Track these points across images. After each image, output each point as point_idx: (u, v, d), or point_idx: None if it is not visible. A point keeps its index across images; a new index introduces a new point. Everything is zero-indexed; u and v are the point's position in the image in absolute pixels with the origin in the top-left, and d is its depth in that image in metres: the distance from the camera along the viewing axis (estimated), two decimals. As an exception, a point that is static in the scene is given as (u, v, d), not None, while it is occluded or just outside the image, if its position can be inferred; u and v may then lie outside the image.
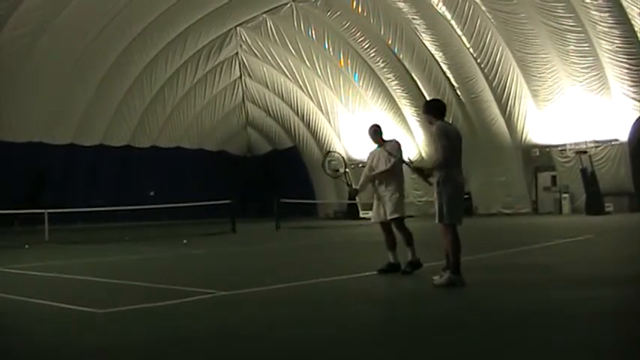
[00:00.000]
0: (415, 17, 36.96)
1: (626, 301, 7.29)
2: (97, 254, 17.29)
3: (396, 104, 41.09)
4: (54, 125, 39.84)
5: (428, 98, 38.22)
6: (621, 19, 29.83)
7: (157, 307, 7.85)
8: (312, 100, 47.08)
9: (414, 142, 39.82)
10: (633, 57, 30.83)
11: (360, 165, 42.46)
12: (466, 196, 34.34)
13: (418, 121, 35.39)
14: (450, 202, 8.61)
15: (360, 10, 38.66)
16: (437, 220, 8.66)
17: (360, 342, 5.76)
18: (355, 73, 42.90)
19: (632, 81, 31.69)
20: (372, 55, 40.94)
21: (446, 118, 9.20)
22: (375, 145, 10.56)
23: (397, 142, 10.38)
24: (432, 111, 9.11)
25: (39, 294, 9.22)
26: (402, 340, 5.78)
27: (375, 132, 10.51)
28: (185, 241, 21.19)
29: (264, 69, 47.07)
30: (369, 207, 10.70)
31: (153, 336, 6.24)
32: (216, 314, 7.39)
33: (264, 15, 42.01)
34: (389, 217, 10.06)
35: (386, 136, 10.60)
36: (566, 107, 34.66)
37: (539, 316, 6.54)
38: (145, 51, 40.73)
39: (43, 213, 24.07)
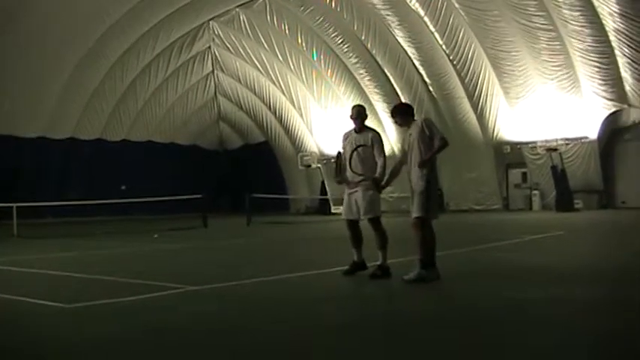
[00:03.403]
0: (388, 13, 37.00)
1: (597, 300, 7.33)
2: (66, 248, 17.13)
3: (369, 100, 41.05)
4: (24, 118, 39.39)
5: (400, 94, 38.57)
6: (592, 18, 30.10)
7: (126, 301, 7.78)
8: (284, 94, 47.00)
9: (386, 138, 39.79)
10: (604, 56, 31.15)
11: (332, 160, 42.53)
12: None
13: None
14: (434, 196, 8.78)
15: (333, 5, 38.62)
16: (420, 214, 8.65)
17: (338, 339, 5.72)
18: (328, 69, 42.89)
19: (602, 80, 32.04)
20: (345, 50, 40.92)
21: (418, 115, 9.40)
22: (352, 127, 9.69)
23: (379, 135, 9.68)
24: (409, 112, 9.29)
25: (4, 289, 9.09)
26: (380, 336, 5.77)
27: (360, 113, 9.63)
28: (156, 236, 21.13)
29: (237, 63, 46.91)
30: (340, 202, 10.02)
31: (121, 331, 6.16)
32: (186, 310, 7.30)
33: (237, 9, 41.86)
34: (363, 217, 9.45)
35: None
36: (537, 105, 34.95)
37: (513, 314, 6.59)
38: (116, 44, 40.38)
39: (12, 207, 23.79)
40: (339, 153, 9.67)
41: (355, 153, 9.43)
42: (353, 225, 9.59)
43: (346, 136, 9.75)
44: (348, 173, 9.52)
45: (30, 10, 33.79)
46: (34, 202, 27.92)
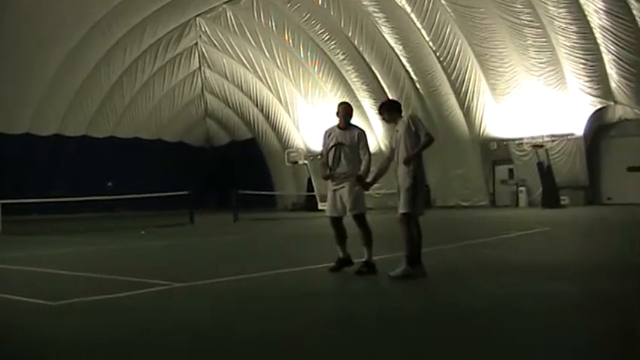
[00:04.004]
0: (375, 10, 36.98)
1: (585, 295, 7.36)
2: (53, 246, 17.08)
3: (356, 96, 41.06)
4: (8, 114, 39.12)
5: (387, 91, 38.59)
6: (578, 15, 30.20)
7: (112, 299, 7.74)
8: (271, 91, 46.98)
9: (373, 135, 39.87)
10: (589, 53, 31.26)
11: (319, 157, 42.50)
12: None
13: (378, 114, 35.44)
14: (421, 192, 8.83)
15: (320, 2, 38.57)
16: (406, 211, 8.67)
17: (326, 336, 5.71)
18: (315, 66, 42.88)
19: (588, 76, 32.17)
20: (332, 47, 40.89)
21: (404, 111, 9.45)
22: (335, 124, 9.69)
23: (364, 132, 9.65)
24: (396, 109, 9.33)
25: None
26: (368, 333, 5.77)
27: (347, 111, 9.62)
28: (143, 232, 21.07)
29: (224, 60, 46.81)
30: (326, 199, 9.94)
31: (107, 329, 6.13)
32: (173, 307, 7.28)
33: (224, 5, 41.73)
34: (349, 213, 9.40)
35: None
36: (524, 101, 35.04)
37: (500, 310, 6.62)
38: (103, 40, 40.13)
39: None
40: (325, 150, 9.69)
41: (341, 151, 9.40)
42: (337, 222, 9.59)
43: (329, 133, 9.72)
44: (331, 171, 9.51)
45: (14, 6, 33.58)
46: (19, 198, 27.79)
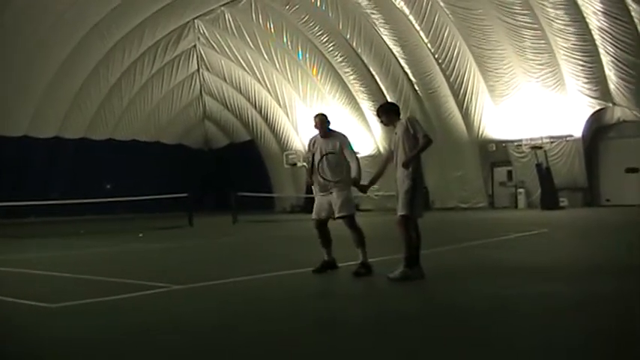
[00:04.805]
0: (374, 12, 37.02)
1: (583, 297, 7.36)
2: (52, 248, 17.07)
3: (354, 98, 41.12)
4: (7, 117, 39.09)
5: (385, 92, 38.60)
6: (576, 16, 30.25)
7: (111, 301, 7.76)
8: (270, 93, 46.97)
9: (372, 136, 39.93)
10: (588, 54, 31.31)
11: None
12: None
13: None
14: (419, 195, 8.83)
15: (318, 4, 38.59)
16: (405, 213, 8.68)
17: (325, 337, 5.72)
18: (313, 68, 42.88)
19: (586, 78, 32.21)
20: (331, 49, 40.89)
21: (403, 113, 9.46)
22: (316, 132, 9.88)
23: (347, 138, 9.79)
24: (394, 111, 9.35)
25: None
26: (367, 334, 5.80)
27: (322, 122, 9.77)
28: (141, 235, 21.06)
29: (222, 62, 46.80)
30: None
31: (106, 331, 6.14)
32: (171, 309, 7.29)
33: (222, 7, 41.73)
34: (337, 216, 9.46)
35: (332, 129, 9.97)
36: (522, 103, 35.08)
37: (498, 312, 6.64)
38: (101, 42, 40.14)
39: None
40: (308, 157, 9.82)
41: (325, 160, 9.56)
42: (321, 225, 9.69)
43: (313, 141, 9.91)
44: (319, 179, 9.64)
45: (13, 7, 33.57)
46: (17, 200, 27.77)
